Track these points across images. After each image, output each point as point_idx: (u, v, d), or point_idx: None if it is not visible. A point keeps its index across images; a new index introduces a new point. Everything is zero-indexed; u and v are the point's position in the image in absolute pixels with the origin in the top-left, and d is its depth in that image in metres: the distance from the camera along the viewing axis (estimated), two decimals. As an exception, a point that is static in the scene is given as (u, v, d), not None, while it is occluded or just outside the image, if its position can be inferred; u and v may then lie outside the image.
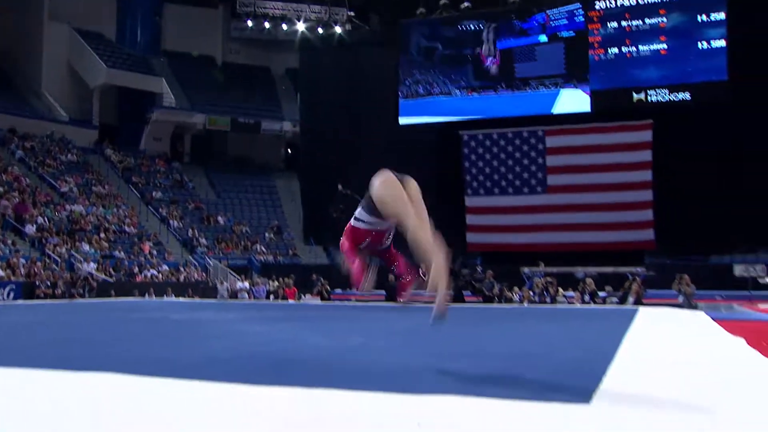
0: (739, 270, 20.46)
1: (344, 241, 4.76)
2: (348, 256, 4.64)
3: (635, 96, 25.91)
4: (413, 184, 4.46)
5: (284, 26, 37.42)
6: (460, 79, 28.50)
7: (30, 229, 25.01)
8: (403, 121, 28.42)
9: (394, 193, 4.36)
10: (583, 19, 26.58)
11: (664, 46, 25.72)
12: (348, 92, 30.87)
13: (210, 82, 40.31)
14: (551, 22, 27.04)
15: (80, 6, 36.70)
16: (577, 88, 26.67)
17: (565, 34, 26.91)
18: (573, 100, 26.64)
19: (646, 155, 25.08)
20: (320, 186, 30.21)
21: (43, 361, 4.46)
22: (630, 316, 9.26)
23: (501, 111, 27.46)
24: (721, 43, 24.82)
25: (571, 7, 26.76)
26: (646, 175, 25.04)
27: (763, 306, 16.24)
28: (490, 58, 27.62)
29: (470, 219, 27.08)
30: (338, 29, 33.96)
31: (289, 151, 41.18)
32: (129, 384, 3.59)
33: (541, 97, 27.05)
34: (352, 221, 4.76)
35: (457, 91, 28.43)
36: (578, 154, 25.84)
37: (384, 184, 4.42)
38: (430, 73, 29.00)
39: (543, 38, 27.21)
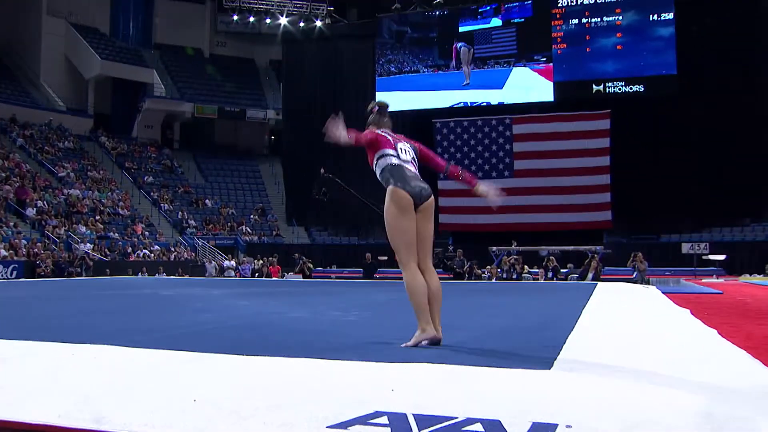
0: (685, 248, 20.73)
1: None
2: None
3: (594, 87, 26.13)
4: (428, 204, 4.00)
5: (268, 20, 37.01)
6: (427, 59, 29.19)
7: (30, 211, 24.78)
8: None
9: (396, 223, 3.92)
10: (531, 7, 27.29)
11: (620, 42, 25.94)
12: (328, 82, 30.73)
13: (198, 72, 39.93)
14: (504, 10, 27.89)
15: (76, 1, 36.29)
16: (525, 66, 27.38)
17: (516, 19, 27.63)
18: (522, 78, 27.33)
19: (605, 142, 25.24)
20: (302, 170, 30.21)
21: (42, 334, 4.42)
22: (589, 291, 9.37)
23: (461, 86, 28.31)
24: (671, 40, 25.15)
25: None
26: (605, 161, 25.22)
27: (706, 280, 16.53)
28: (463, 67, 28.38)
29: (442, 201, 26.98)
30: (318, 23, 33.65)
31: (273, 137, 40.86)
32: (120, 355, 3.56)
33: (495, 74, 27.85)
34: None
35: (425, 69, 28.99)
36: (542, 141, 25.94)
37: (391, 208, 3.94)
38: (401, 53, 29.55)
39: (498, 22, 27.93)
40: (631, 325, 5.38)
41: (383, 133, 4.15)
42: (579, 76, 26.37)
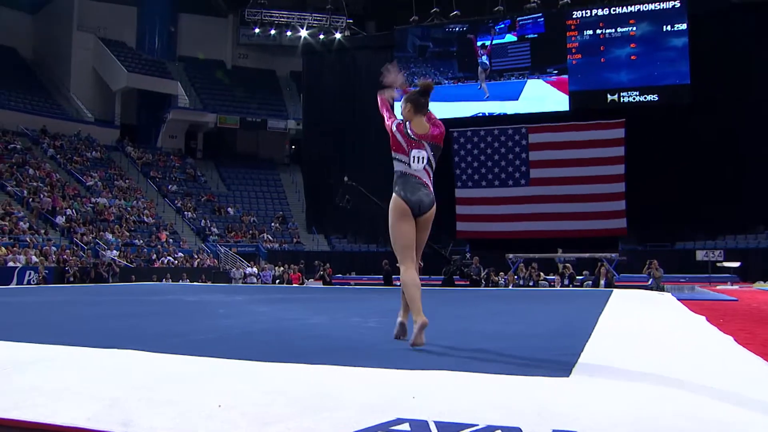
0: (700, 255, 20.49)
1: None
2: None
3: (609, 97, 25.98)
4: (427, 216, 4.29)
5: (288, 33, 37.26)
6: (448, 71, 29.29)
7: (60, 219, 25.09)
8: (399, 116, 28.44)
9: (393, 227, 4.24)
10: (543, 24, 27.45)
11: (634, 52, 25.82)
12: (347, 93, 30.81)
13: (221, 84, 40.26)
14: (519, 26, 28.05)
15: (104, 17, 36.93)
16: (539, 78, 27.36)
17: (530, 35, 27.73)
18: (536, 89, 27.33)
19: (619, 151, 25.05)
20: (321, 179, 30.30)
21: (72, 338, 4.45)
22: (605, 298, 9.28)
23: (480, 97, 28.46)
24: (684, 50, 24.97)
25: (535, 15, 27.75)
26: (619, 169, 25.02)
27: (721, 287, 16.35)
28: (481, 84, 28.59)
29: (460, 209, 27.03)
30: (338, 35, 33.77)
31: (293, 147, 41.09)
32: (147, 360, 3.57)
33: (511, 86, 27.91)
34: None
35: (446, 81, 28.99)
36: (558, 150, 25.82)
37: (391, 213, 4.26)
38: (423, 66, 29.59)
39: (512, 38, 28.06)
40: (648, 332, 5.32)
41: (401, 134, 4.28)
42: (594, 86, 26.25)
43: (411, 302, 4.10)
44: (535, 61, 27.47)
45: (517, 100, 27.66)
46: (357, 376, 3.11)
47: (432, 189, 4.32)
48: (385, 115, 4.36)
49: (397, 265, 4.28)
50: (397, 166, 4.26)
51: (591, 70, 26.35)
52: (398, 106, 4.51)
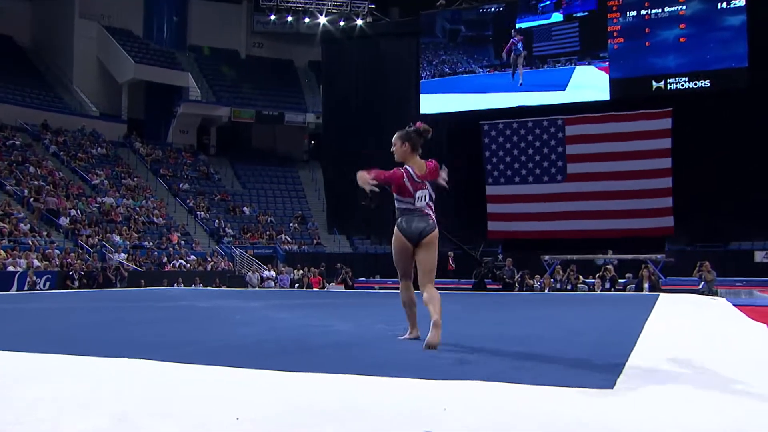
0: (759, 256, 20.16)
1: None
2: None
3: (654, 84, 25.56)
4: (428, 240, 4.80)
5: (306, 20, 37.37)
6: (483, 59, 28.84)
7: (64, 221, 25.31)
8: (425, 108, 28.35)
9: (396, 259, 4.97)
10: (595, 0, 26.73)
11: (684, 33, 25.35)
12: (369, 83, 30.79)
13: (234, 75, 40.51)
14: (566, 3, 27.22)
15: (109, 3, 37.03)
16: (590, 64, 26.73)
17: (579, 13, 27.02)
18: (587, 77, 26.71)
19: (666, 143, 24.69)
20: (343, 176, 30.21)
21: (78, 348, 4.50)
22: (651, 303, 9.18)
23: (521, 87, 27.74)
24: (741, 29, 24.39)
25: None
26: (666, 163, 24.67)
27: (783, 292, 16.03)
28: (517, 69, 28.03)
29: (491, 207, 26.91)
30: (359, 22, 33.81)
31: (312, 142, 41.21)
32: (158, 369, 3.60)
33: (557, 74, 27.28)
34: None
35: (480, 70, 28.64)
36: (598, 143, 25.52)
37: (393, 245, 4.96)
38: (454, 53, 29.29)
39: (558, 17, 27.37)
40: (700, 341, 5.24)
41: (409, 181, 4.80)
42: (637, 73, 25.78)
43: (407, 316, 5.04)
44: (585, 44, 26.73)
45: (564, 90, 27.10)
46: (384, 386, 3.11)
47: (434, 217, 4.92)
48: (382, 174, 4.80)
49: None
50: (400, 205, 4.87)
51: (634, 55, 25.85)
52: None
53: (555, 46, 27.41)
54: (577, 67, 26.95)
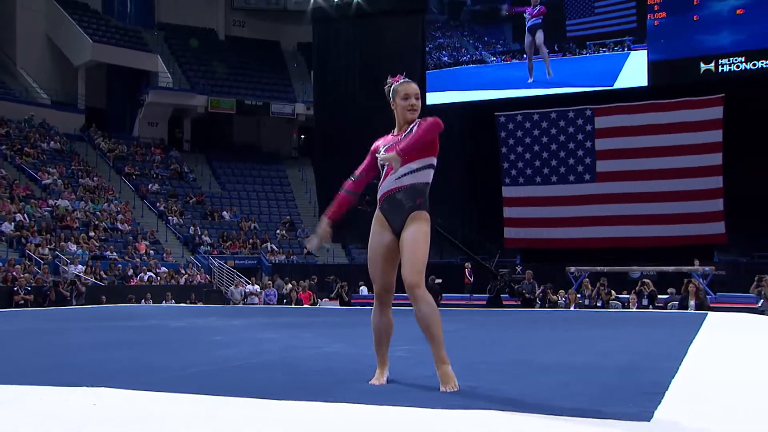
0: (827, 269, 20.09)
1: None
2: None
3: (703, 66, 25.15)
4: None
5: (295, -6, 37.52)
6: (496, 42, 27.63)
7: (7, 227, 25.19)
8: (430, 99, 28.23)
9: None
10: None
11: (740, 4, 24.78)
12: (368, 68, 30.67)
13: (212, 59, 40.48)
14: None
15: (60, -29, 36.81)
16: (647, 49, 25.85)
17: None
18: (641, 66, 25.75)
19: (716, 135, 24.47)
20: (338, 175, 29.95)
21: (30, 377, 4.52)
22: (696, 323, 9.19)
23: (548, 82, 26.53)
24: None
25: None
26: (716, 159, 24.50)
27: None
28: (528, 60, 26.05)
29: (508, 211, 26.87)
30: (356, -3, 33.95)
31: (303, 136, 41.31)
32: (124, 399, 3.62)
33: (602, 63, 26.10)
34: None
35: (492, 58, 27.51)
36: (633, 137, 25.40)
37: (427, 231, 4.26)
38: (457, 35, 28.17)
39: None
40: (756, 368, 5.25)
41: None
42: (682, 54, 25.35)
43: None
44: (643, 21, 25.36)
45: (612, 86, 26.01)
46: (384, 415, 3.14)
47: None
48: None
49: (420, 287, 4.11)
50: (431, 175, 4.32)
51: (679, 32, 25.35)
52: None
53: (600, 23, 25.98)
54: (632, 53, 25.79)
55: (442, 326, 4.01)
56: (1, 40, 36.10)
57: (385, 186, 4.27)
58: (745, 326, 9.35)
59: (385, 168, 4.24)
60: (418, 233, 4.14)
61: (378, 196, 4.34)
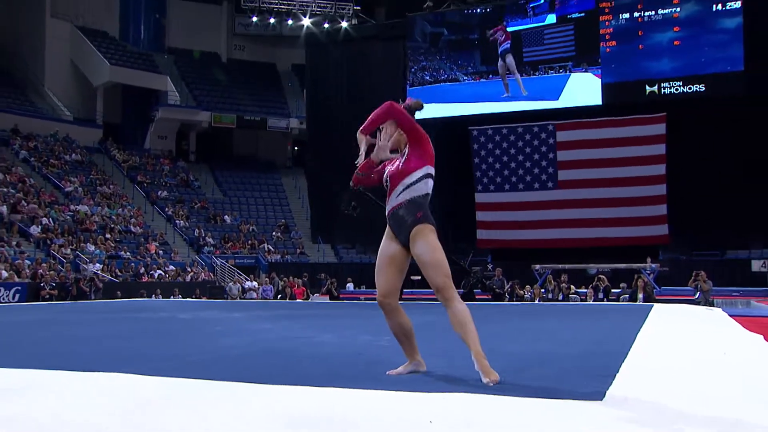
0: (756, 265, 20.28)
1: None
2: None
3: (648, 88, 25.54)
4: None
5: (290, 22, 37.44)
6: (467, 65, 28.33)
7: (35, 230, 25.14)
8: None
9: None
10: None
11: (678, 36, 25.28)
12: (355, 87, 30.76)
13: (215, 79, 40.45)
14: (559, 4, 26.63)
15: (82, 2, 36.87)
16: (587, 71, 26.29)
17: (575, 14, 26.49)
18: (583, 84, 26.27)
19: (660, 149, 24.80)
20: (328, 183, 30.28)
21: (50, 362, 4.50)
22: (644, 313, 9.25)
23: (509, 96, 27.16)
24: (737, 32, 24.40)
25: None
26: (660, 169, 24.78)
27: (781, 302, 16.14)
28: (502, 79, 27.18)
29: (480, 215, 26.96)
30: (344, 24, 33.88)
31: (296, 148, 41.23)
32: (136, 383, 3.62)
33: (549, 82, 26.74)
34: None
35: (464, 77, 28.19)
36: (590, 149, 25.63)
37: (436, 239, 4.13)
38: (436, 59, 28.73)
39: (552, 19, 26.83)
40: (695, 352, 5.30)
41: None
42: (630, 77, 25.68)
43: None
44: (581, 49, 26.10)
45: (557, 99, 26.57)
46: (368, 399, 3.14)
47: None
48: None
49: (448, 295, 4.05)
50: (429, 185, 4.16)
51: (627, 58, 25.74)
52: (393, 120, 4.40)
53: (547, 51, 26.86)
54: (573, 75, 26.50)
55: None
56: (32, 64, 36.18)
57: (389, 204, 4.18)
58: (684, 316, 9.44)
59: (388, 186, 4.18)
60: (429, 246, 4.02)
61: (386, 212, 4.22)
